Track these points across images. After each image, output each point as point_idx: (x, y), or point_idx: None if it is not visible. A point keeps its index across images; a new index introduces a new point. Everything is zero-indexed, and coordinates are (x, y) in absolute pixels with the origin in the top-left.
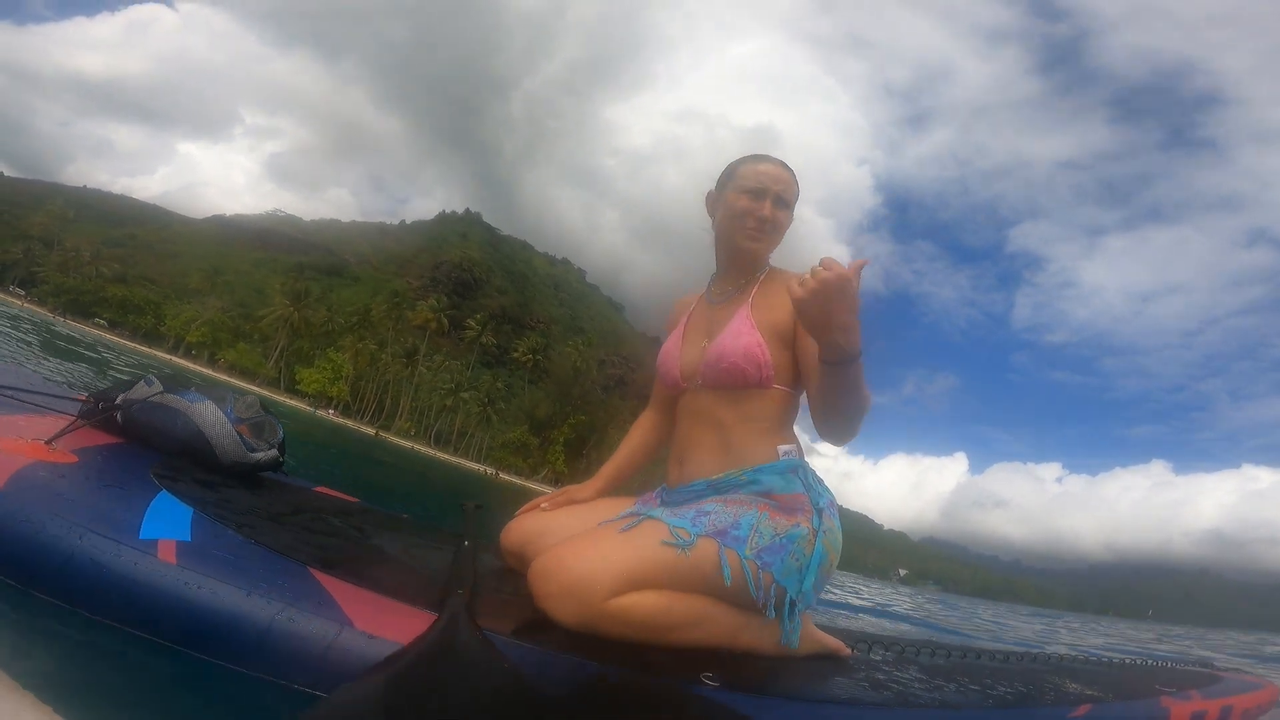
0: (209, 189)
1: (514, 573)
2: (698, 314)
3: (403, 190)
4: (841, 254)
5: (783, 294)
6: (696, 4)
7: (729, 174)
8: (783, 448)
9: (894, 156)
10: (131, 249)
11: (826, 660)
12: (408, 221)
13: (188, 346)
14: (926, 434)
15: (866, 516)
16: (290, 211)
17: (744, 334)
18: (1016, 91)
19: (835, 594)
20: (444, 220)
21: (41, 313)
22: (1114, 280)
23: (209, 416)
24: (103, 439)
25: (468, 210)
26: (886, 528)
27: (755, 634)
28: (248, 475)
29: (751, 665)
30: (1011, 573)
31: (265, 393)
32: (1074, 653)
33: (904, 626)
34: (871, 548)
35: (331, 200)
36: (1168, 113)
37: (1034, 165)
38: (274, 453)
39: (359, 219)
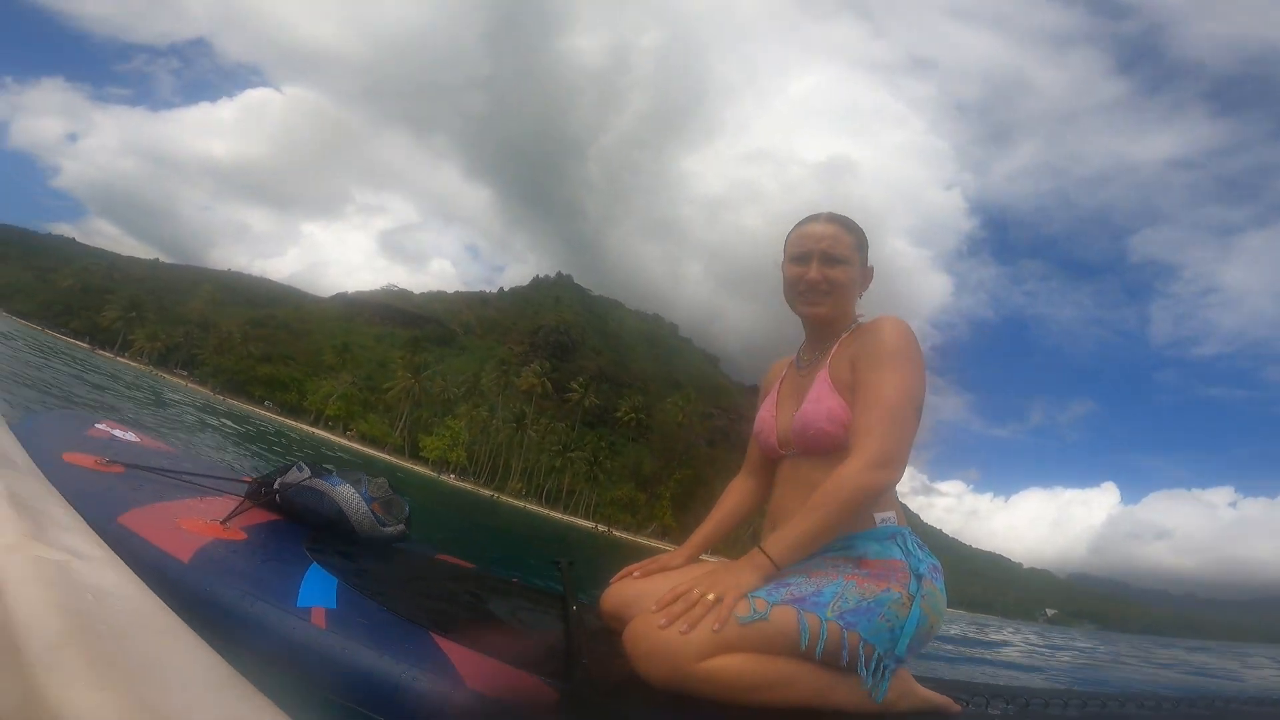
0: (331, 267)
1: (615, 633)
2: (789, 380)
3: (499, 258)
4: (943, 284)
5: (854, 349)
6: (751, 48)
7: (785, 243)
8: (880, 515)
9: (982, 176)
10: (272, 329)
11: (928, 716)
12: (505, 289)
13: (326, 419)
14: (1065, 466)
15: (1002, 556)
16: (402, 285)
17: (824, 398)
18: (1101, 94)
19: (963, 634)
20: (538, 285)
21: (204, 392)
22: (1261, 281)
23: (348, 497)
24: (264, 517)
25: (559, 273)
26: (1026, 566)
27: (846, 693)
28: (380, 547)
29: None
30: (1186, 606)
31: (391, 459)
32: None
33: (1043, 673)
34: (1010, 588)
35: (436, 272)
36: (1271, 101)
37: (1140, 168)
38: (401, 527)
39: (461, 289)
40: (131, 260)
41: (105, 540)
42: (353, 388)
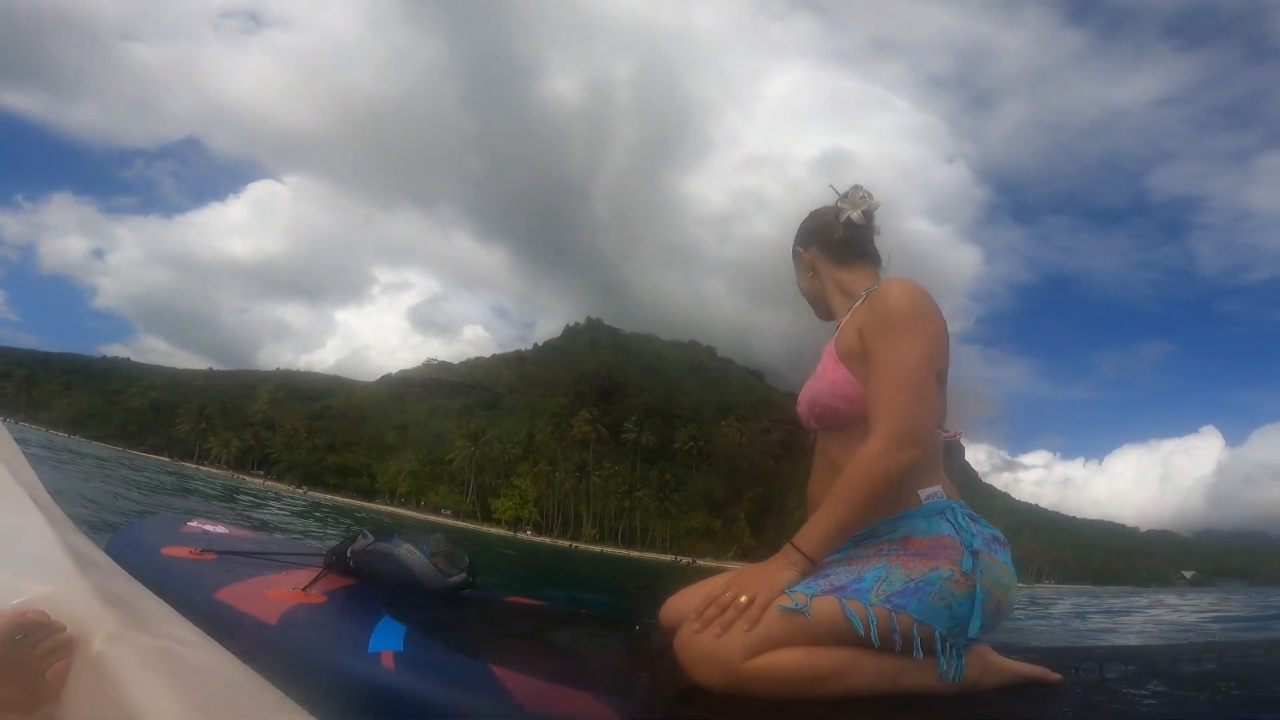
0: (371, 351)
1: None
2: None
3: (527, 314)
4: (973, 256)
5: (862, 317)
6: (721, 61)
7: None
8: (925, 491)
9: (980, 144)
10: (329, 419)
11: (1021, 689)
12: (540, 343)
13: (399, 496)
14: (1155, 416)
15: (1115, 523)
16: (441, 357)
17: (828, 371)
18: (1063, 47)
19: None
20: (571, 334)
21: (282, 488)
22: None
23: (410, 554)
24: (342, 582)
25: (589, 318)
26: (1144, 530)
27: (918, 676)
28: (449, 596)
29: (917, 707)
30: None
31: (466, 525)
32: None
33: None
34: (1136, 555)
35: (470, 339)
36: (1230, 29)
37: (1131, 112)
38: (464, 575)
39: (497, 350)
40: (188, 372)
41: (204, 615)
42: (417, 463)
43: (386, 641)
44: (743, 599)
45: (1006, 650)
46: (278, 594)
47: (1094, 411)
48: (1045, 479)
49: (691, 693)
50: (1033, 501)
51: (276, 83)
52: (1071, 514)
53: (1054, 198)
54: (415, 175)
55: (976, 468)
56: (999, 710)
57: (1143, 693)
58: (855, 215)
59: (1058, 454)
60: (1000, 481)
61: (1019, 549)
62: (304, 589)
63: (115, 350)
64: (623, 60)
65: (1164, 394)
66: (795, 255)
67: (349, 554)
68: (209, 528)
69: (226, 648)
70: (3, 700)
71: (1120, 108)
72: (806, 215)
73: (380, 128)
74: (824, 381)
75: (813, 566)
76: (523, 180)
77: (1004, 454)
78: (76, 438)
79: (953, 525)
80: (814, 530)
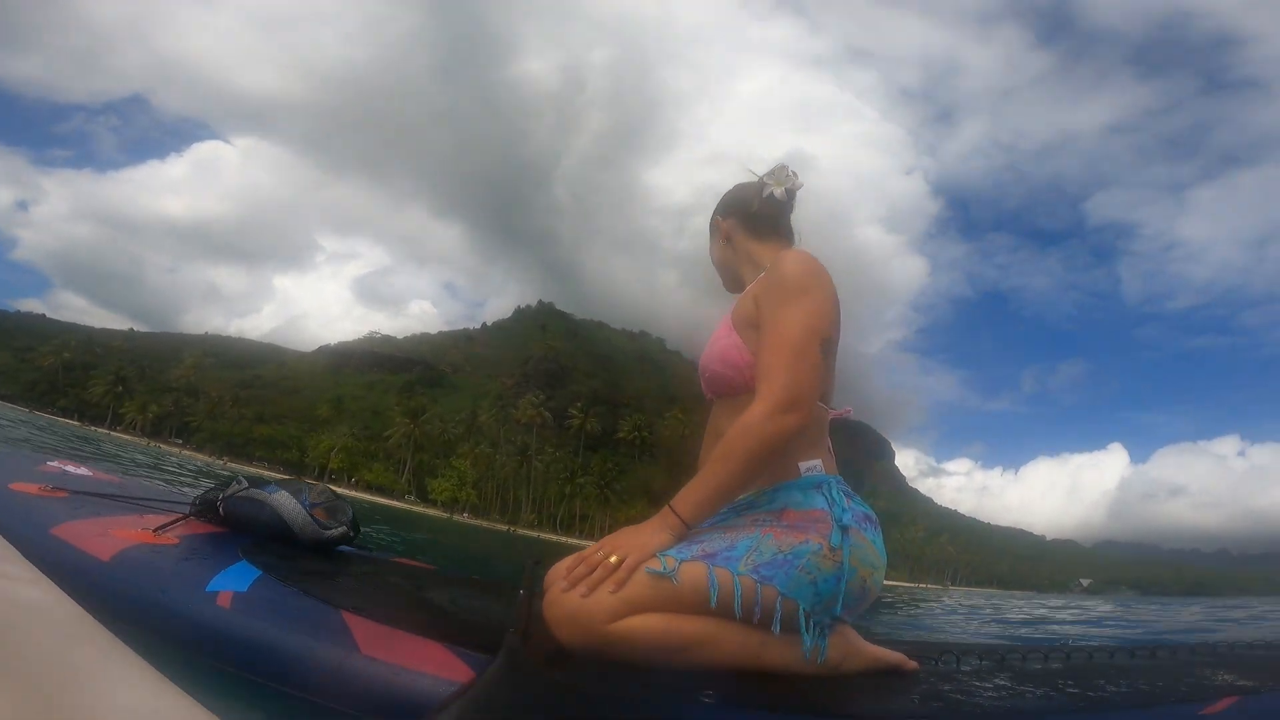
0: (310, 320)
1: None
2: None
3: (478, 293)
4: (920, 266)
5: (759, 286)
6: (698, 55)
7: None
8: (805, 464)
9: (937, 158)
10: (258, 389)
11: (877, 676)
12: (489, 323)
13: (330, 473)
14: (1067, 431)
15: (1024, 530)
16: (384, 331)
17: (720, 338)
18: (1029, 69)
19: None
20: (521, 316)
21: (202, 459)
22: (1220, 231)
23: (285, 503)
24: (208, 529)
25: (540, 302)
26: (1050, 538)
27: (780, 652)
28: (323, 549)
29: (774, 683)
30: (1221, 564)
31: (401, 505)
32: (1246, 640)
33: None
34: (1040, 562)
35: (416, 314)
36: (1190, 60)
37: (1081, 136)
38: (344, 529)
39: (444, 328)
40: (106, 332)
41: (35, 550)
42: (352, 439)
43: (231, 583)
44: (612, 559)
45: (875, 639)
46: (123, 533)
47: (1014, 423)
48: (966, 486)
49: (556, 654)
50: (953, 507)
51: (239, 42)
52: (987, 520)
53: (999, 215)
54: (376, 145)
55: (905, 472)
56: (852, 692)
57: (986, 685)
58: (779, 192)
59: (979, 462)
60: (925, 486)
61: (938, 553)
62: (154, 530)
63: (30, 305)
64: (600, 46)
65: (1078, 410)
66: (713, 224)
67: (219, 500)
68: (70, 468)
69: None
70: None
71: (1072, 132)
72: (728, 191)
73: (345, 95)
74: (715, 348)
75: (688, 530)
76: (486, 158)
77: (931, 460)
78: None
79: (827, 499)
80: (691, 494)
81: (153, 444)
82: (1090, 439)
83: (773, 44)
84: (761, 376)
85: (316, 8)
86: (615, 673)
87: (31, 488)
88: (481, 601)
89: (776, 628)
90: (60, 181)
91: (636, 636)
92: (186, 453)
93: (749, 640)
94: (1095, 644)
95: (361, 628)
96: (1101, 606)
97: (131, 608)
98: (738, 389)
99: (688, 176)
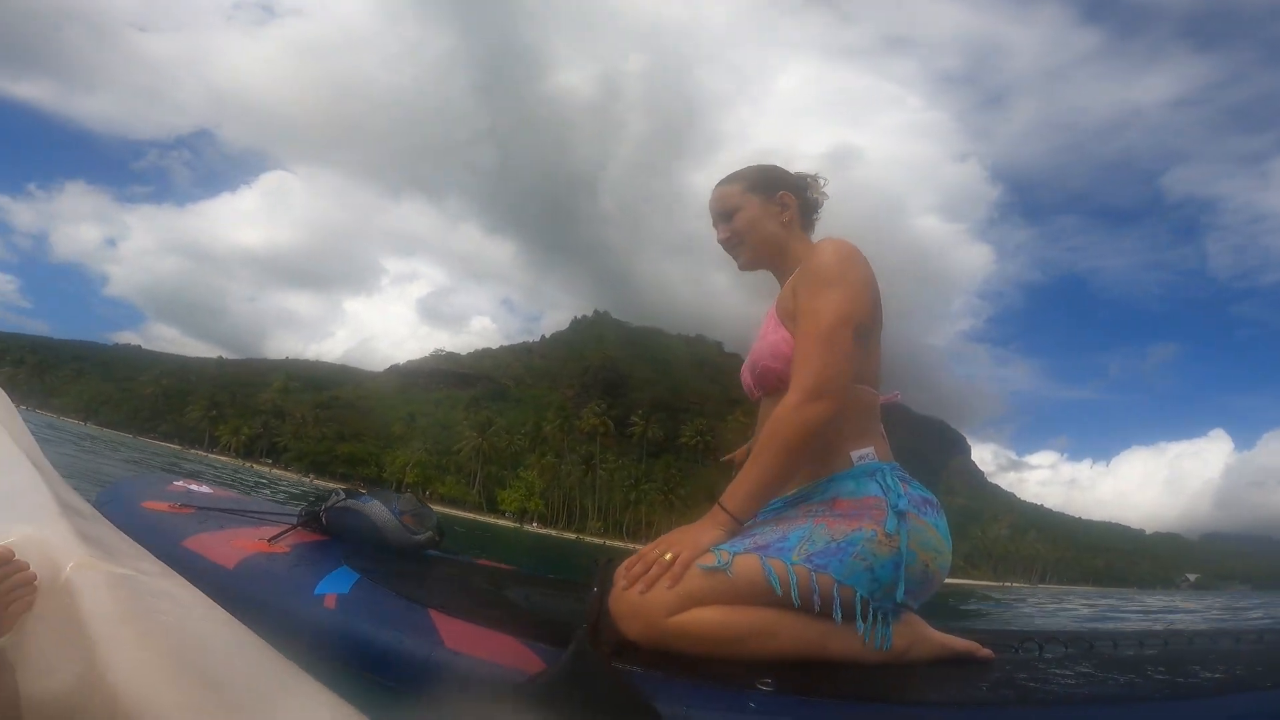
0: (379, 341)
1: None
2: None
3: (534, 306)
4: (983, 254)
5: (797, 277)
6: (732, 54)
7: None
8: (857, 452)
9: (991, 142)
10: (336, 409)
11: (945, 664)
12: (547, 335)
13: (406, 487)
14: (1163, 418)
15: (1120, 525)
16: (448, 349)
17: (769, 333)
18: (1077, 46)
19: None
20: (578, 326)
21: (290, 477)
22: None
23: (378, 511)
24: (313, 538)
25: (596, 311)
26: (1150, 532)
27: (844, 641)
28: (413, 554)
29: (834, 672)
30: None
31: (473, 516)
32: None
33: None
34: (1140, 557)
35: (477, 331)
36: (1246, 30)
37: (1144, 112)
38: (430, 534)
39: (504, 342)
40: (199, 360)
41: (170, 561)
42: (425, 454)
43: (334, 586)
44: (667, 556)
45: (949, 630)
46: (243, 544)
47: (1102, 412)
48: (1051, 479)
49: (623, 647)
50: (1038, 502)
51: (288, 73)
52: (1077, 515)
53: (1065, 197)
54: (425, 166)
55: (982, 467)
56: (916, 679)
57: (1067, 672)
58: (824, 192)
59: (1065, 455)
60: (1005, 481)
61: (1025, 550)
62: (269, 540)
63: (126, 338)
64: (633, 53)
65: (1173, 396)
66: (769, 194)
67: (321, 511)
68: (193, 486)
69: None
70: None
71: (1135, 108)
72: (764, 165)
73: (391, 118)
74: (765, 344)
75: (739, 525)
76: (532, 172)
77: (1010, 454)
78: (90, 424)
79: (881, 486)
80: (737, 489)
81: (246, 464)
82: (1189, 425)
83: (805, 38)
84: (795, 365)
85: (354, 34)
86: (676, 663)
87: (162, 505)
88: (555, 599)
89: (837, 615)
90: (142, 217)
91: (695, 629)
92: (276, 471)
93: (809, 630)
94: (1197, 629)
95: (445, 624)
96: (1208, 600)
97: (254, 609)
98: (788, 383)
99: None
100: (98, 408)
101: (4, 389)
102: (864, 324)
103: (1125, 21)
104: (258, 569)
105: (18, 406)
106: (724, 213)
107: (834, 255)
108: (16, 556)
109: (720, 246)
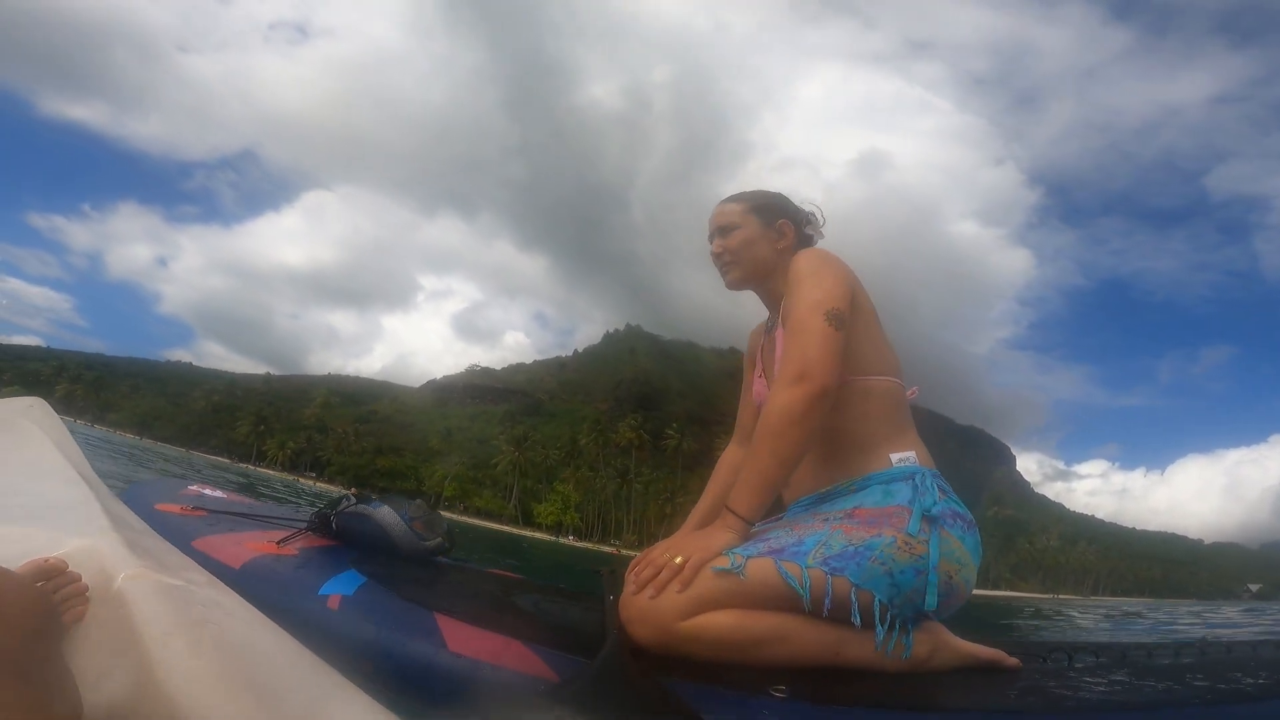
0: (416, 357)
1: None
2: (766, 346)
3: (567, 320)
4: (1023, 258)
5: (788, 295)
6: (756, 63)
7: None
8: (897, 455)
9: (1027, 145)
10: (376, 423)
11: (969, 672)
12: (580, 350)
13: (444, 500)
14: (1220, 424)
15: (1177, 534)
16: (483, 364)
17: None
18: (1108, 45)
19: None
20: (611, 340)
21: (335, 490)
22: None
23: (387, 517)
24: (324, 543)
25: (628, 325)
26: (1209, 542)
27: (862, 647)
28: (422, 559)
29: (852, 678)
30: None
31: (509, 529)
32: None
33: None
34: (1198, 567)
35: (511, 346)
36: None
37: (1184, 110)
38: (440, 540)
39: (538, 357)
40: (247, 376)
41: None
42: (462, 467)
43: (339, 588)
44: (677, 560)
45: (975, 639)
46: (250, 545)
47: (1154, 419)
48: (1101, 489)
49: (632, 651)
50: (1088, 512)
51: (323, 93)
52: (1130, 525)
53: (1107, 199)
54: (458, 183)
55: (1028, 477)
56: (937, 687)
57: (1098, 681)
58: (820, 230)
59: (1115, 463)
60: (1053, 491)
61: (1075, 561)
62: (278, 543)
63: (178, 355)
64: (659, 65)
65: (1229, 400)
66: (769, 220)
67: (332, 516)
68: (207, 491)
69: None
70: (26, 635)
71: (1173, 106)
72: (770, 192)
73: (424, 136)
74: (761, 384)
75: (748, 527)
76: (562, 186)
77: (1057, 463)
78: (145, 439)
79: (914, 489)
80: (741, 489)
81: (293, 478)
82: (1248, 432)
83: (828, 46)
84: (779, 364)
85: (385, 53)
86: (688, 669)
87: (174, 508)
88: (561, 606)
89: (856, 619)
90: (192, 237)
91: (708, 634)
92: (320, 484)
93: (826, 635)
94: (1240, 637)
95: (450, 627)
96: (1271, 610)
97: (257, 607)
98: None
99: (763, 185)
100: (152, 423)
101: (62, 405)
102: (837, 309)
103: (1154, 20)
104: (263, 569)
105: (75, 421)
106: (722, 228)
107: (803, 259)
108: (69, 568)
109: (712, 261)
